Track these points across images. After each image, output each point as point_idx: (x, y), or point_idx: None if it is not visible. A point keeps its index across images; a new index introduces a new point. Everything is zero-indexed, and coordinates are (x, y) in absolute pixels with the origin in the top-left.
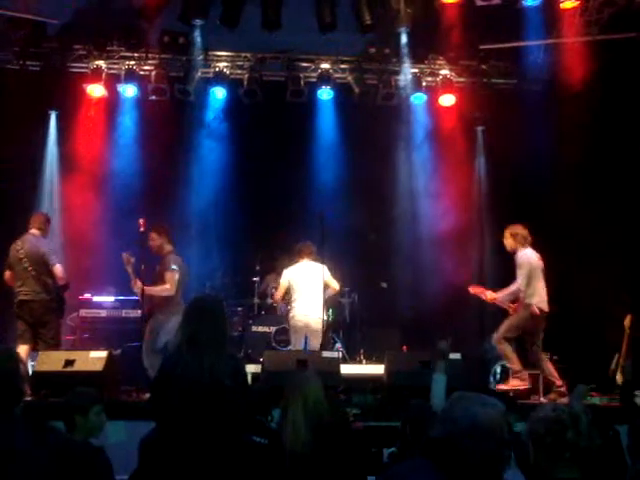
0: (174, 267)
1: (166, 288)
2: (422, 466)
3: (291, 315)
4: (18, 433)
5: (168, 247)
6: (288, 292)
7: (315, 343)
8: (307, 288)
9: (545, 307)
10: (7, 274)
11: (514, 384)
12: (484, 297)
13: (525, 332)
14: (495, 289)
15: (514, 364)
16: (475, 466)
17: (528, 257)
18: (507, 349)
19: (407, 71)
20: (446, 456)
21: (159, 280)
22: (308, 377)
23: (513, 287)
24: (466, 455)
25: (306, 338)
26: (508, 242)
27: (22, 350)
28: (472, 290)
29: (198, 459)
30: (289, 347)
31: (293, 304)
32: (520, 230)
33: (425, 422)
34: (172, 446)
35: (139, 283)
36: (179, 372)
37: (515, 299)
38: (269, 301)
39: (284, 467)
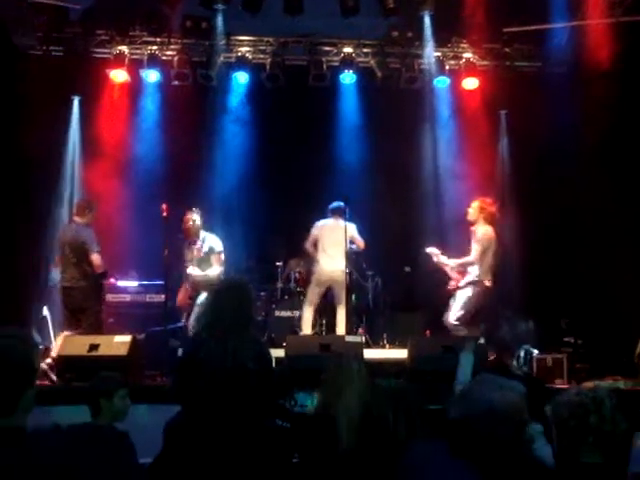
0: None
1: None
2: (438, 450)
3: (316, 268)
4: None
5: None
6: (315, 244)
7: (342, 295)
8: (333, 243)
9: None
10: (56, 259)
11: None
12: (435, 259)
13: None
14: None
15: None
16: (491, 449)
17: (490, 235)
18: (462, 332)
19: (430, 54)
20: (462, 438)
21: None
22: (356, 360)
23: (468, 259)
24: (482, 438)
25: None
26: (473, 213)
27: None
28: (427, 250)
29: (222, 442)
30: (313, 331)
31: (318, 257)
32: (489, 207)
33: None
34: (196, 430)
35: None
36: (202, 355)
37: (461, 272)
38: (292, 285)
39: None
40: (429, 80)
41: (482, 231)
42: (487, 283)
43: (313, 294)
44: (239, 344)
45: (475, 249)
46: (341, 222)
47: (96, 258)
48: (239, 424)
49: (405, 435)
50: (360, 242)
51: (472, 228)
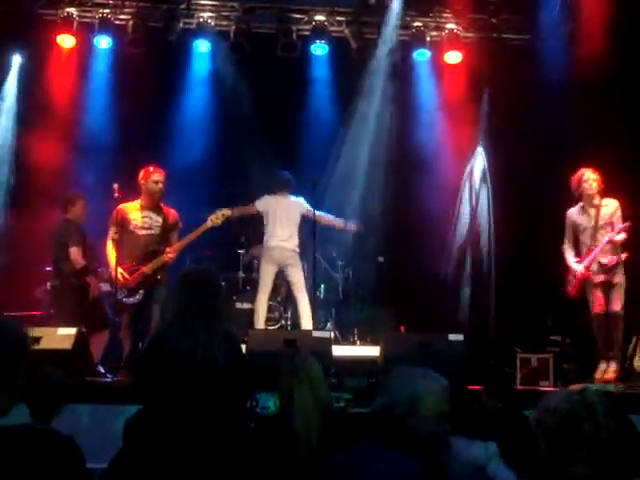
0: None
1: None
2: (372, 445)
3: (264, 247)
4: None
5: None
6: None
7: (299, 279)
8: (284, 220)
9: None
10: None
11: None
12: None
13: None
14: None
15: None
16: (414, 438)
17: None
18: None
19: (410, 25)
20: (386, 429)
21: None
22: (309, 356)
23: (622, 235)
24: (403, 426)
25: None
26: (597, 185)
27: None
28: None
29: (189, 442)
30: (277, 325)
31: (265, 236)
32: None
33: None
34: (162, 429)
35: None
36: (169, 351)
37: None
38: (255, 275)
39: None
40: (408, 53)
41: (616, 203)
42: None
43: (265, 276)
44: (209, 338)
45: (619, 223)
46: (290, 197)
47: (72, 252)
48: (208, 424)
49: None
50: (330, 218)
51: (594, 202)
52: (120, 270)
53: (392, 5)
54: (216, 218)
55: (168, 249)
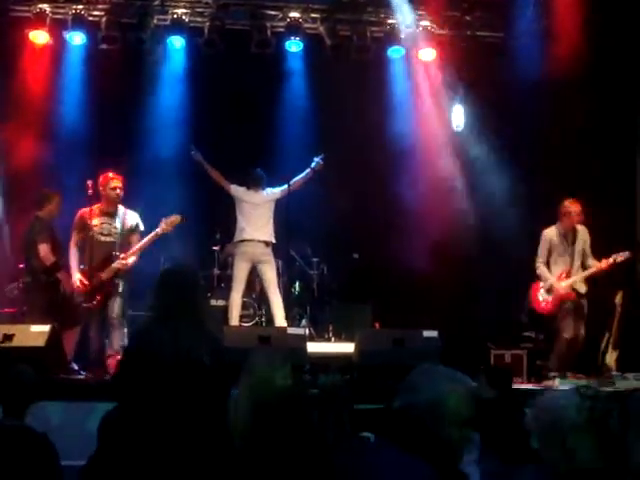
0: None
1: None
2: (385, 447)
3: (236, 241)
4: None
5: None
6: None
7: (271, 277)
8: (256, 214)
9: None
10: None
11: None
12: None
13: None
14: None
15: None
16: (433, 443)
17: None
18: None
19: (384, 22)
20: (404, 431)
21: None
22: (256, 353)
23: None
24: (425, 430)
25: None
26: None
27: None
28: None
29: (173, 441)
30: (252, 322)
31: (237, 231)
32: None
33: None
34: (145, 428)
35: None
36: (154, 350)
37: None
38: (229, 272)
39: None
40: (382, 50)
41: (586, 230)
42: None
43: (239, 273)
44: (194, 337)
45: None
46: (263, 192)
47: (41, 249)
48: (192, 423)
49: (333, 437)
50: (302, 178)
51: (573, 228)
52: (78, 276)
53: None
54: (166, 225)
55: (122, 255)
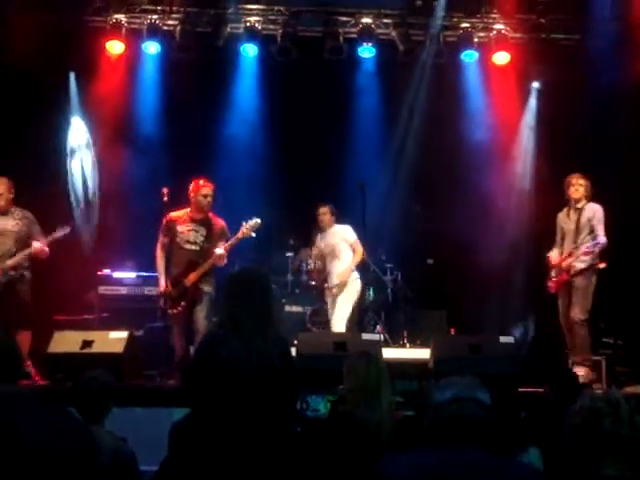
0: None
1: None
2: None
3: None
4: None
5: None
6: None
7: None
8: (329, 256)
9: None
10: None
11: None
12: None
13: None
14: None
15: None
16: None
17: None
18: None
19: (457, 26)
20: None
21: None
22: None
23: (601, 240)
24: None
25: None
26: (584, 190)
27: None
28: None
29: (241, 448)
30: (325, 329)
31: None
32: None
33: None
34: (218, 435)
35: None
36: (224, 355)
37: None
38: (304, 278)
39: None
40: (455, 55)
41: (597, 207)
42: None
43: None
44: (262, 342)
45: (600, 228)
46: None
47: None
48: (262, 429)
49: None
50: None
51: (578, 206)
52: (164, 281)
53: (438, 7)
54: (247, 229)
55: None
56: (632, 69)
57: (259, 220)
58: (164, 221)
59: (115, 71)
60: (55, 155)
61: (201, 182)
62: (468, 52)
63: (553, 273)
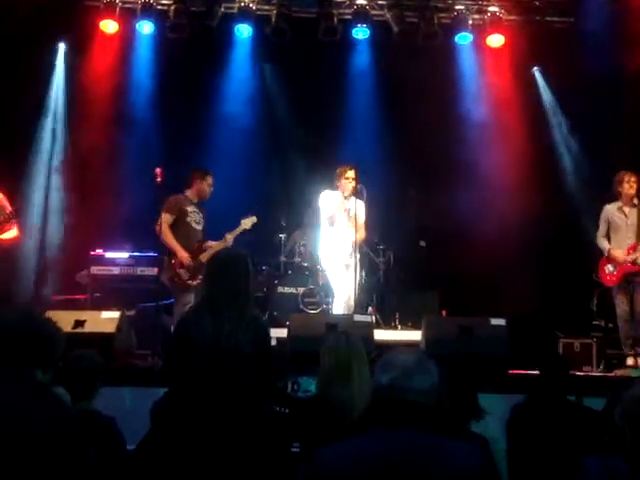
0: None
1: None
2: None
3: None
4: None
5: None
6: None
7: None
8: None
9: None
10: None
11: None
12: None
13: None
14: None
15: None
16: None
17: None
18: None
19: (452, 8)
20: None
21: None
22: (358, 341)
23: None
24: None
25: None
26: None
27: None
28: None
29: (213, 428)
30: (318, 309)
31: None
32: None
33: None
34: (187, 413)
35: None
36: (196, 336)
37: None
38: (297, 260)
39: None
40: (450, 37)
41: None
42: None
43: None
44: (236, 324)
45: None
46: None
47: None
48: (231, 409)
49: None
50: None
51: (634, 201)
52: (185, 254)
53: None
54: (246, 222)
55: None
56: (624, 51)
57: (255, 218)
58: (172, 201)
59: (108, 50)
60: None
61: (209, 172)
62: (462, 34)
63: (611, 267)
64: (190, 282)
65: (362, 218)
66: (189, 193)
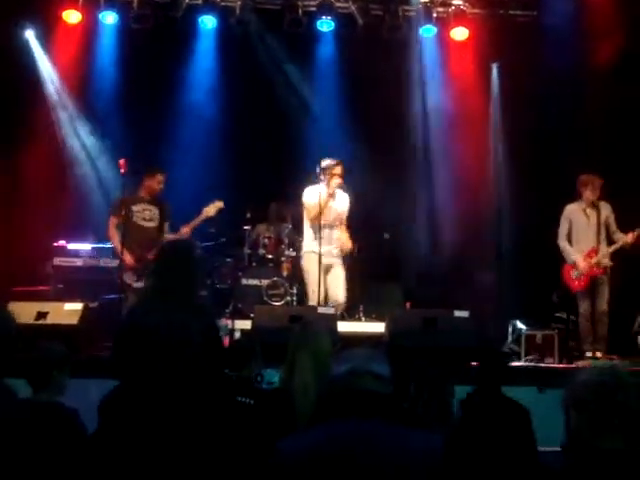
0: None
1: None
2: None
3: None
4: None
5: None
6: None
7: None
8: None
9: None
10: None
11: None
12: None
13: None
14: None
15: None
16: None
17: None
18: None
19: (416, 0)
20: None
21: None
22: (317, 332)
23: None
24: None
25: None
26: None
27: None
28: None
29: (165, 419)
30: (282, 301)
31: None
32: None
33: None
34: (137, 406)
35: None
36: (145, 326)
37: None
38: (261, 252)
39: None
40: (414, 29)
41: (609, 206)
42: None
43: None
44: (186, 314)
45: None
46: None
47: None
48: (183, 400)
49: None
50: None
51: (595, 204)
52: (128, 256)
53: None
54: (209, 210)
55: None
56: (586, 46)
57: (221, 203)
58: (118, 202)
59: (72, 40)
60: None
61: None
62: (427, 27)
63: (577, 272)
64: (136, 285)
65: (346, 213)
66: (140, 191)
